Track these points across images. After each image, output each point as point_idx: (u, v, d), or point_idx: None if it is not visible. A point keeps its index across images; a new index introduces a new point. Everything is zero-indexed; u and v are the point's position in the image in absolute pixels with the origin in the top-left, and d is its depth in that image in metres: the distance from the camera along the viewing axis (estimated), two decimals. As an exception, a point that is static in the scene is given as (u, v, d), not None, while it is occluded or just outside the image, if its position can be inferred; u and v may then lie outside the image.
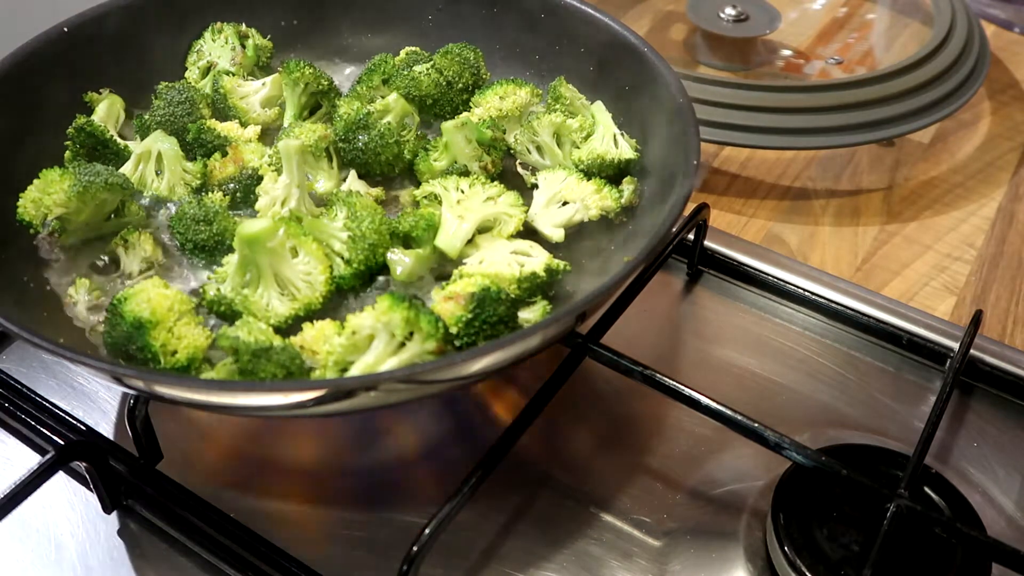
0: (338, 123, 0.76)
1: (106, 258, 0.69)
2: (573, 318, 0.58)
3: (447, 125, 0.75)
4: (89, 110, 0.78)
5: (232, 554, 0.61)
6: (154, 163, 0.73)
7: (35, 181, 0.67)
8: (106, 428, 0.69)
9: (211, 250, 0.68)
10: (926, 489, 0.62)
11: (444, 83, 0.81)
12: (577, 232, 0.72)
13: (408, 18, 0.88)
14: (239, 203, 0.73)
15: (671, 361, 0.76)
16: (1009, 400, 0.73)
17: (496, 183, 0.73)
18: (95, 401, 0.71)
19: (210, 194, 0.71)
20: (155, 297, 0.61)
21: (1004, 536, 0.64)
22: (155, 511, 0.64)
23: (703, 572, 0.62)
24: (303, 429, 0.70)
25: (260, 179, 0.72)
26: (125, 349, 0.60)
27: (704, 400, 0.61)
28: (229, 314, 0.64)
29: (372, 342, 0.58)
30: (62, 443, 0.62)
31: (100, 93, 0.78)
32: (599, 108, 0.76)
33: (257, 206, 0.71)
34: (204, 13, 0.85)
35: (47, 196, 0.65)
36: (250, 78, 0.84)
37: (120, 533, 0.64)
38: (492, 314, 0.59)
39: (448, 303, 0.60)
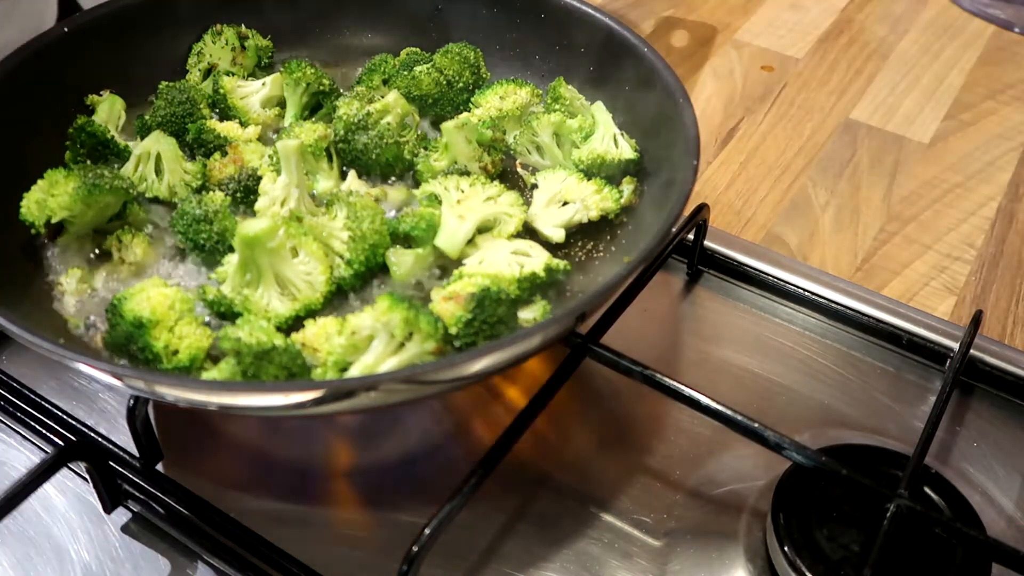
0: (338, 123, 0.76)
1: (99, 257, 0.69)
2: (573, 318, 0.58)
3: (447, 125, 0.75)
4: (90, 111, 0.78)
5: (232, 554, 0.61)
6: (154, 163, 0.73)
7: (39, 182, 0.67)
8: (106, 428, 0.69)
9: (211, 250, 0.68)
10: (926, 489, 0.62)
11: (444, 83, 0.81)
12: (577, 232, 0.72)
13: (408, 18, 0.88)
14: (239, 203, 0.73)
15: (671, 361, 0.76)
16: (1009, 400, 0.73)
17: (496, 183, 0.73)
18: (95, 401, 0.71)
19: (210, 194, 0.71)
20: (155, 296, 0.61)
21: (1004, 536, 0.64)
22: (155, 511, 0.64)
23: (703, 572, 0.62)
24: (303, 429, 0.70)
25: (260, 179, 0.72)
26: (126, 349, 0.60)
27: (704, 400, 0.61)
28: (229, 314, 0.64)
29: (372, 342, 0.58)
30: (62, 443, 0.62)
31: (100, 95, 0.78)
32: (599, 108, 0.76)
33: (257, 206, 0.71)
34: (205, 14, 0.85)
35: (51, 198, 0.65)
36: (250, 78, 0.84)
37: (120, 533, 0.64)
38: (492, 314, 0.59)
39: (448, 303, 0.60)
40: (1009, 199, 0.95)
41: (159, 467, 0.66)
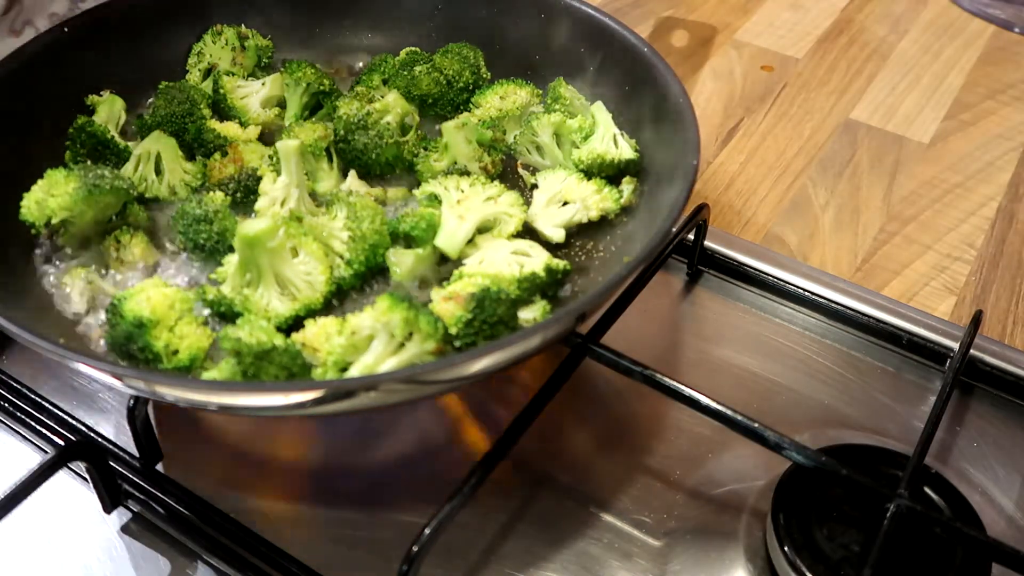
0: (338, 123, 0.76)
1: (99, 257, 0.69)
2: (573, 318, 0.58)
3: (447, 125, 0.75)
4: (90, 111, 0.78)
5: (232, 554, 0.61)
6: (154, 163, 0.73)
7: (39, 182, 0.66)
8: (106, 428, 0.69)
9: (211, 250, 0.68)
10: (926, 489, 0.62)
11: (444, 82, 0.81)
12: (577, 232, 0.72)
13: (408, 18, 0.88)
14: (239, 203, 0.73)
15: (671, 361, 0.76)
16: (1009, 400, 0.73)
17: (496, 183, 0.73)
18: (95, 401, 0.71)
19: (210, 194, 0.71)
20: (155, 296, 0.61)
21: (1004, 536, 0.64)
22: (155, 511, 0.64)
23: (703, 572, 0.62)
24: (303, 429, 0.70)
25: (260, 179, 0.72)
26: (126, 349, 0.60)
27: (704, 400, 0.61)
28: (229, 314, 0.64)
29: (372, 342, 0.58)
30: (62, 443, 0.62)
31: (100, 95, 0.78)
32: (599, 108, 0.76)
33: (256, 206, 0.71)
34: (205, 13, 0.85)
35: (51, 198, 0.65)
36: (250, 78, 0.84)
37: (120, 533, 0.64)
38: (492, 314, 0.59)
39: (448, 303, 0.60)
40: (1009, 199, 0.95)
41: (159, 467, 0.66)
